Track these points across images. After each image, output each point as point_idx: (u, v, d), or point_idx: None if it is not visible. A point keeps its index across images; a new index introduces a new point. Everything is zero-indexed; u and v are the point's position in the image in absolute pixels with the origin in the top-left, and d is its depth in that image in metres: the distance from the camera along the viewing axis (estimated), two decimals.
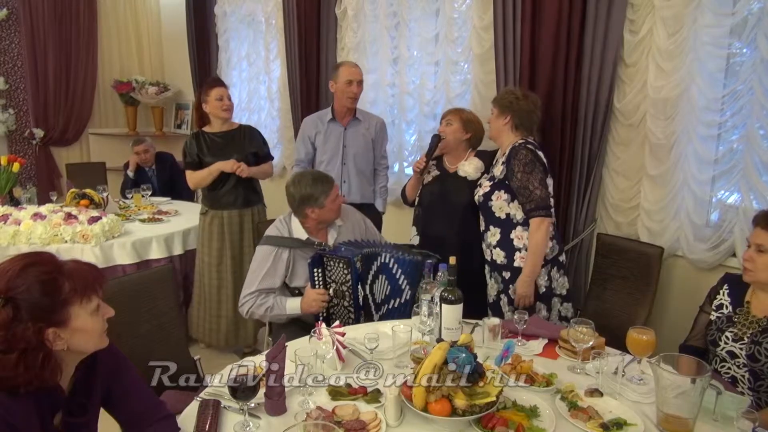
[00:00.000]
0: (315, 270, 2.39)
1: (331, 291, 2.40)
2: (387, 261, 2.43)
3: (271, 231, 2.55)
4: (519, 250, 2.59)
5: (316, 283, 2.40)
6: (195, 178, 3.42)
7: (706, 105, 2.52)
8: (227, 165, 3.31)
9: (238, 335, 3.55)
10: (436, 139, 2.87)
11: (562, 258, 2.68)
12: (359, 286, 2.39)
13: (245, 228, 3.46)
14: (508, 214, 2.61)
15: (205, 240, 3.45)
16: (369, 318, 2.45)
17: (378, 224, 3.47)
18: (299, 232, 2.51)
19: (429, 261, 2.35)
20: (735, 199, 2.55)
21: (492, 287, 2.72)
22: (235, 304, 3.42)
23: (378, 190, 3.52)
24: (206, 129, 3.45)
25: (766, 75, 2.32)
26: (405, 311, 2.41)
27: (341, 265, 2.36)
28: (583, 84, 2.86)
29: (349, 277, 2.35)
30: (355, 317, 2.42)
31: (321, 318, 2.41)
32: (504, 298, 2.67)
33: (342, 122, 3.38)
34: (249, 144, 3.45)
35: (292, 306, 2.41)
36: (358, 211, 2.75)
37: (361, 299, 2.40)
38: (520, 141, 2.60)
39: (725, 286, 2.06)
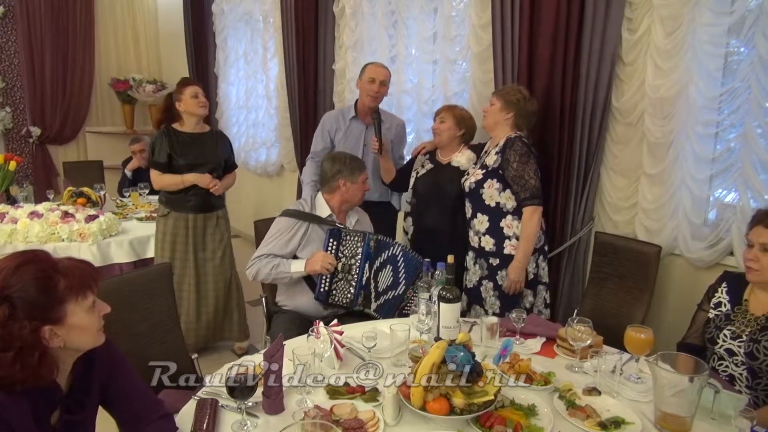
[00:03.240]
0: (331, 240, 2.51)
1: (339, 266, 2.50)
2: (397, 253, 2.55)
3: (293, 206, 2.67)
4: (509, 238, 2.71)
5: (329, 251, 2.52)
6: (163, 181, 3.30)
7: (704, 104, 2.52)
8: (203, 180, 3.27)
9: (198, 335, 3.49)
10: (377, 115, 3.14)
11: (546, 248, 2.85)
12: (366, 265, 2.50)
13: (208, 232, 3.42)
14: (498, 203, 2.71)
15: (167, 243, 3.36)
16: (367, 302, 2.53)
17: (394, 222, 3.53)
18: (323, 209, 2.64)
19: (427, 260, 2.36)
20: (732, 198, 2.55)
21: (474, 273, 2.81)
22: (196, 306, 3.43)
23: None
24: (177, 126, 3.33)
25: (764, 74, 2.31)
26: (395, 304, 2.55)
27: (356, 239, 2.51)
28: (581, 83, 2.86)
29: (360, 251, 2.49)
30: (354, 295, 2.51)
31: (323, 289, 2.51)
32: (488, 284, 2.77)
33: (364, 120, 3.37)
34: (222, 151, 3.40)
35: (297, 266, 2.51)
36: (369, 220, 2.86)
37: (364, 279, 2.51)
38: (516, 134, 2.71)
39: (724, 284, 2.06)
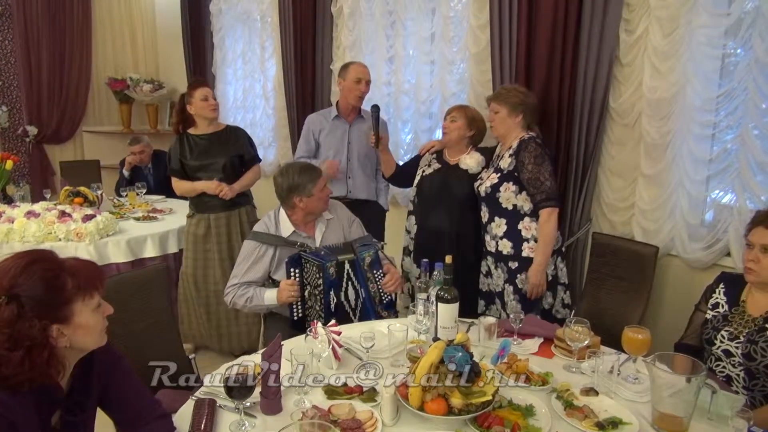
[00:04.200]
0: (292, 270, 2.39)
1: (306, 293, 2.40)
2: (347, 269, 2.42)
3: (258, 226, 2.57)
4: (527, 240, 2.67)
5: (293, 278, 2.40)
6: (180, 188, 3.40)
7: (701, 105, 2.53)
8: (210, 186, 3.28)
9: (231, 338, 3.51)
10: (376, 109, 3.09)
11: (564, 248, 2.80)
12: (332, 293, 2.36)
13: (233, 230, 3.41)
14: (515, 206, 2.68)
15: (190, 244, 3.41)
16: (347, 322, 2.41)
17: (381, 221, 3.51)
18: (286, 226, 2.53)
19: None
20: (729, 199, 2.56)
21: (499, 277, 2.76)
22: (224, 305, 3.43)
23: (381, 188, 3.53)
24: (191, 131, 3.36)
25: (761, 75, 2.33)
26: (371, 308, 2.44)
27: (314, 269, 2.36)
28: (579, 83, 2.86)
29: (320, 281, 2.34)
30: (325, 323, 2.39)
31: (296, 317, 2.42)
32: (509, 288, 2.72)
33: (347, 119, 3.39)
34: (233, 146, 3.38)
35: (270, 297, 2.42)
36: (347, 209, 2.75)
37: (333, 305, 2.37)
38: (530, 135, 2.69)
39: (721, 285, 2.07)
